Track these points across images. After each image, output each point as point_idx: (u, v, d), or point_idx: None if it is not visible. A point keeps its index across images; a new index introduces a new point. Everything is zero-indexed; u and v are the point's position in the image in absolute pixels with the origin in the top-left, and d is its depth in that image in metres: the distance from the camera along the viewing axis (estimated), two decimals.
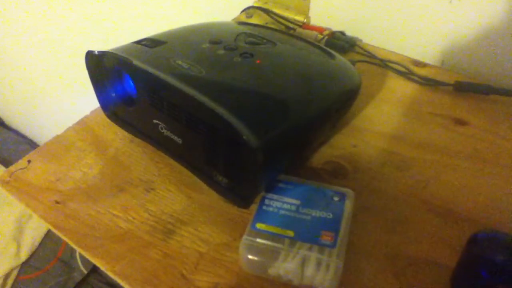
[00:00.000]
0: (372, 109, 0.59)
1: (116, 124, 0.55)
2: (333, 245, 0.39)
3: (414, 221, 0.45)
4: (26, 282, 1.53)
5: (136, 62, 0.44)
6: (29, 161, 0.53)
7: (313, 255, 0.39)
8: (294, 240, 0.40)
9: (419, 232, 0.44)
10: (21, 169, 0.53)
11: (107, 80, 0.51)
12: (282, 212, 0.43)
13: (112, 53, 0.46)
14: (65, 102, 1.67)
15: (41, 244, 1.60)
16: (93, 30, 1.24)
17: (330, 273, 0.38)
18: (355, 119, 0.57)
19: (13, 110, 2.07)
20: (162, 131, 0.47)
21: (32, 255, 1.57)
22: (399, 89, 0.63)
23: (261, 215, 0.43)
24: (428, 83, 0.63)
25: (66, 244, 1.59)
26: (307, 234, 0.41)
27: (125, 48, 0.48)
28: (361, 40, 0.73)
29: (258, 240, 0.40)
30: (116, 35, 1.18)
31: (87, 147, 0.55)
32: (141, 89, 0.47)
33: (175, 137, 0.47)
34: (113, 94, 0.52)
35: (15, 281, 1.52)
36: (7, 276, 1.50)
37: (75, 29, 1.30)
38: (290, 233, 0.41)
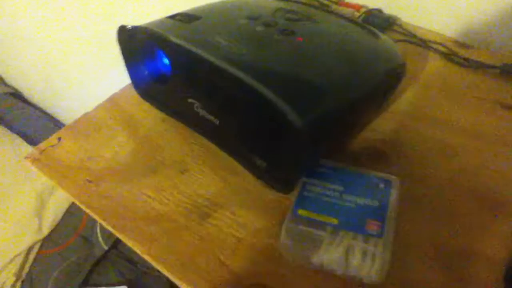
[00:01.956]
0: (413, 92, 0.56)
1: (149, 102, 0.53)
2: (379, 235, 0.37)
3: (461, 212, 0.43)
4: (47, 256, 1.55)
5: (173, 38, 0.42)
6: (59, 139, 0.52)
7: (359, 244, 0.37)
8: (338, 228, 0.38)
9: (467, 223, 0.42)
10: (51, 146, 0.51)
11: (140, 57, 0.49)
12: (324, 198, 0.41)
13: (147, 28, 0.44)
14: (86, 78, 1.66)
15: (62, 219, 1.62)
16: (116, 5, 1.21)
17: (377, 264, 0.36)
18: (395, 103, 0.54)
19: (34, 85, 2.07)
20: (197, 110, 0.46)
21: (53, 230, 1.58)
22: (441, 71, 0.60)
23: (302, 201, 0.41)
24: (473, 65, 0.59)
25: (87, 220, 1.60)
26: (351, 222, 0.39)
27: (160, 23, 0.46)
28: (399, 19, 0.70)
29: (300, 226, 0.39)
30: (141, 10, 1.16)
31: (118, 126, 0.53)
32: (177, 67, 0.45)
33: (211, 117, 0.45)
34: (146, 72, 0.50)
35: (37, 255, 1.54)
36: (29, 250, 1.52)
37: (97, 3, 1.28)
38: (334, 221, 0.39)
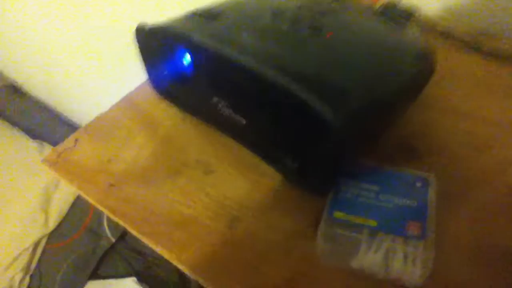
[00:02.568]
0: (442, 85, 0.54)
1: (168, 101, 0.51)
2: (421, 237, 0.36)
3: (499, 208, 0.42)
4: (55, 250, 1.55)
5: (195, 37, 0.40)
6: (76, 140, 0.51)
7: (399, 247, 0.36)
8: (376, 230, 0.37)
9: (506, 219, 0.41)
10: (68, 148, 0.50)
11: (158, 56, 0.47)
12: (360, 199, 0.40)
13: (167, 27, 0.42)
14: (86, 71, 1.64)
15: (69, 213, 1.61)
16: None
17: (419, 267, 0.35)
18: (425, 97, 0.53)
19: (33, 78, 2.04)
20: (222, 110, 0.44)
21: (60, 224, 1.58)
22: (466, 63, 0.58)
23: (337, 202, 0.39)
24: (498, 54, 0.57)
25: (93, 212, 1.59)
26: (391, 223, 0.38)
27: (178, 21, 0.44)
28: (419, 9, 0.68)
29: (337, 230, 0.38)
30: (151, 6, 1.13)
31: (136, 126, 0.52)
32: (201, 67, 0.43)
33: (237, 117, 0.43)
34: (165, 71, 0.48)
35: (44, 249, 1.53)
36: (36, 244, 1.51)
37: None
38: (372, 223, 0.38)
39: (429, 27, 0.63)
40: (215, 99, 0.44)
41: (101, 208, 0.45)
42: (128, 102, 0.55)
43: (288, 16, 0.44)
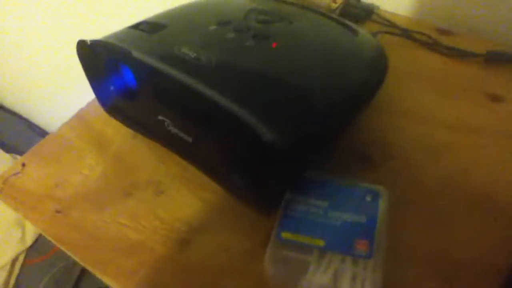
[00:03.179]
0: (396, 86, 0.53)
1: (117, 120, 0.49)
2: (368, 256, 0.35)
3: (455, 217, 0.41)
4: (34, 266, 1.52)
5: (135, 53, 0.38)
6: (23, 165, 0.49)
7: (347, 268, 0.35)
8: (324, 250, 0.36)
9: (462, 229, 0.40)
10: (15, 174, 0.48)
11: (104, 72, 0.45)
12: (309, 217, 0.38)
13: (107, 42, 0.41)
14: (60, 82, 1.61)
15: None
16: (90, 11, 1.16)
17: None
18: (377, 99, 0.51)
19: (6, 89, 2.00)
20: (169, 128, 0.42)
21: (37, 240, 1.55)
22: (424, 62, 0.57)
23: (285, 222, 0.38)
24: (456, 53, 0.57)
25: None
26: (338, 242, 0.36)
27: (121, 35, 0.42)
28: (378, 7, 0.67)
29: (284, 252, 0.36)
30: (112, 16, 1.11)
31: (86, 146, 0.50)
32: (143, 83, 0.41)
33: (184, 135, 0.41)
34: (111, 87, 0.46)
35: (23, 265, 1.50)
36: (14, 261, 1.48)
37: (75, 10, 1.23)
38: (320, 242, 0.36)
39: (389, 25, 0.62)
40: (161, 117, 0.42)
41: (47, 236, 0.43)
42: (79, 120, 0.53)
43: (233, 25, 0.43)
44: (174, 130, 0.42)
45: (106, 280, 0.39)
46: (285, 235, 0.37)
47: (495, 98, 0.51)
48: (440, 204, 0.42)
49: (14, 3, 1.40)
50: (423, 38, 0.59)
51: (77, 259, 0.41)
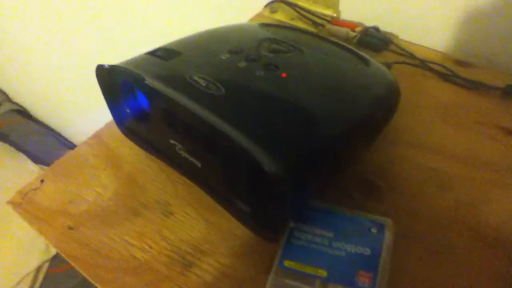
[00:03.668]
0: (409, 117, 0.53)
1: (132, 140, 0.51)
2: None
3: (459, 252, 0.40)
4: (56, 275, 1.55)
5: (148, 79, 0.40)
6: (42, 181, 0.50)
7: None
8: (327, 282, 0.36)
9: (466, 265, 0.39)
10: (34, 189, 0.50)
11: (121, 95, 0.47)
12: (313, 246, 0.38)
13: (123, 68, 0.42)
14: (91, 98, 1.66)
15: None
16: (125, 29, 1.20)
17: None
18: (389, 130, 0.51)
19: (39, 102, 2.08)
20: (179, 152, 0.43)
21: None
22: (440, 93, 0.57)
23: (289, 250, 0.38)
24: (474, 86, 0.56)
25: None
26: (341, 274, 0.36)
27: (137, 61, 0.44)
28: (397, 37, 0.67)
29: (286, 281, 0.36)
30: (123, 39, 1.15)
31: (101, 164, 0.51)
32: (155, 108, 0.43)
33: (193, 160, 0.42)
34: (128, 110, 0.48)
35: (46, 274, 1.53)
36: (38, 270, 1.52)
37: (101, 30, 1.28)
38: (323, 273, 0.36)
39: (406, 55, 0.62)
40: (172, 141, 0.43)
41: (58, 251, 0.44)
42: (96, 139, 0.55)
43: (245, 54, 0.44)
44: (184, 154, 0.43)
45: None
46: (288, 263, 0.37)
47: (510, 132, 0.50)
48: (443, 238, 0.41)
49: (51, 21, 1.46)
50: (441, 69, 0.59)
51: (84, 275, 0.42)
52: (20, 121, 2.03)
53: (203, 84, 0.39)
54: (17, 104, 2.20)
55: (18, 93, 2.19)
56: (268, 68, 0.42)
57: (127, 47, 1.20)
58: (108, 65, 0.44)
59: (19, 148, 1.85)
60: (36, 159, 1.79)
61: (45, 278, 1.54)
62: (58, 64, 1.67)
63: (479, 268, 0.39)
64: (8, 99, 2.22)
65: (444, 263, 0.39)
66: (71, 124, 1.98)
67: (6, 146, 1.85)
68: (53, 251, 1.56)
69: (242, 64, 0.42)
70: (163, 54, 0.45)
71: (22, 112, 2.14)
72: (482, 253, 0.40)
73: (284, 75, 0.41)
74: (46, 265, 1.55)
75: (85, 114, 1.77)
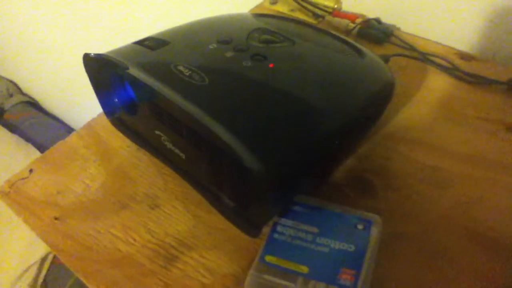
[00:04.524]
0: (409, 112, 0.52)
1: (120, 131, 0.50)
2: (353, 287, 0.34)
3: (454, 253, 0.38)
4: (62, 265, 1.56)
5: (132, 69, 0.39)
6: (31, 170, 0.50)
7: None
8: (308, 278, 0.35)
9: (460, 266, 0.37)
10: (22, 179, 0.49)
11: (109, 84, 0.46)
12: (296, 241, 0.37)
13: (108, 57, 0.42)
14: None
15: None
16: (133, 21, 1.20)
17: None
18: (388, 125, 0.50)
19: (50, 94, 2.09)
20: (165, 143, 0.42)
21: None
22: (441, 88, 0.55)
23: (271, 245, 0.37)
24: (476, 80, 0.54)
25: None
26: (323, 270, 0.35)
27: (124, 50, 0.43)
28: (399, 29, 0.65)
29: (266, 276, 0.35)
30: (133, 29, 1.14)
31: (92, 156, 0.51)
32: (140, 98, 0.42)
33: (178, 151, 0.41)
34: (116, 100, 0.47)
35: (51, 264, 1.55)
36: (43, 260, 1.53)
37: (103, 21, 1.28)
38: (304, 269, 0.35)
39: (408, 48, 0.60)
40: (157, 132, 0.43)
41: (43, 241, 0.44)
42: (88, 130, 0.54)
43: (234, 44, 0.43)
44: (169, 145, 0.42)
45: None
46: (269, 258, 0.36)
47: None
48: (437, 239, 0.39)
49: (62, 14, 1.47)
50: (442, 62, 0.57)
51: (68, 266, 0.41)
52: (31, 113, 2.04)
53: (187, 74, 0.38)
54: (28, 96, 2.21)
55: (29, 85, 2.21)
56: (256, 58, 0.41)
57: (136, 37, 1.20)
58: (94, 54, 0.43)
59: (29, 140, 1.87)
60: (44, 151, 1.80)
61: (50, 268, 1.55)
62: (69, 56, 1.67)
63: (475, 270, 0.37)
64: (19, 91, 2.24)
65: (438, 265, 0.38)
66: (82, 116, 1.99)
67: (17, 137, 1.87)
68: None
69: (229, 54, 0.41)
70: (151, 43, 0.44)
71: (33, 104, 2.16)
72: (478, 255, 0.38)
73: (271, 65, 0.40)
74: (51, 255, 1.56)
75: (96, 107, 1.78)
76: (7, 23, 1.84)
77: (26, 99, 2.14)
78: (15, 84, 2.24)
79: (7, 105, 2.08)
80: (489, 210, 0.41)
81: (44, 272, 1.52)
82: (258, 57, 0.41)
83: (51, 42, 1.70)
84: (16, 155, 1.75)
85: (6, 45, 2.02)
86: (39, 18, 1.61)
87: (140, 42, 0.44)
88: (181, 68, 0.39)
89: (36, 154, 1.79)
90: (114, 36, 1.34)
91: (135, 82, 0.39)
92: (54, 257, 1.56)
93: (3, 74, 2.27)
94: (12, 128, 1.94)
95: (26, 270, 1.49)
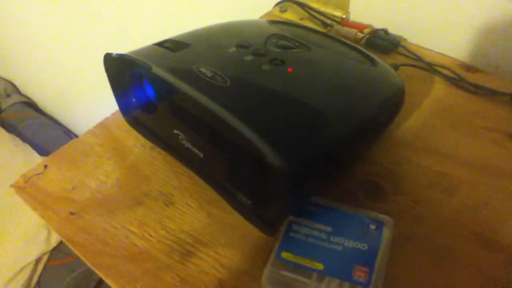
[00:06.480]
0: (416, 121, 0.53)
1: (136, 130, 0.51)
2: (367, 283, 0.35)
3: (461, 255, 0.40)
4: (56, 267, 1.55)
5: (155, 68, 0.40)
6: (46, 166, 0.51)
7: None
8: (323, 275, 0.36)
9: (466, 268, 0.39)
10: (37, 174, 0.50)
11: (127, 84, 0.47)
12: (310, 240, 0.38)
13: (130, 56, 0.43)
14: (99, 89, 1.67)
15: None
16: (132, 22, 1.21)
17: None
18: (396, 132, 0.51)
19: (48, 95, 2.09)
20: (182, 142, 0.44)
21: (61, 242, 1.58)
22: (447, 98, 0.57)
23: (287, 243, 0.38)
24: (481, 91, 0.56)
25: None
26: (338, 267, 0.36)
27: (145, 51, 0.45)
28: (405, 40, 0.67)
29: (283, 272, 0.36)
30: (132, 32, 1.16)
31: (106, 153, 0.52)
32: (161, 97, 0.43)
33: (196, 150, 0.43)
34: (134, 99, 0.48)
35: (45, 266, 1.54)
36: (38, 261, 1.52)
37: (107, 22, 1.29)
38: (319, 266, 0.36)
39: (414, 58, 0.62)
40: (176, 131, 0.44)
41: (59, 236, 0.45)
42: (102, 128, 0.55)
43: (253, 49, 0.44)
44: (187, 144, 0.43)
45: (108, 282, 0.40)
46: (285, 255, 0.37)
47: None
48: (445, 242, 0.41)
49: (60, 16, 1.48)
50: (448, 73, 0.59)
51: (84, 260, 0.42)
52: (28, 114, 2.04)
53: (209, 75, 0.39)
54: (25, 96, 2.21)
55: (26, 85, 2.21)
56: (274, 62, 0.42)
57: (135, 40, 1.21)
58: (116, 54, 0.44)
59: (26, 140, 1.87)
60: (42, 152, 1.80)
61: (44, 269, 1.54)
62: (67, 57, 1.68)
63: (481, 273, 0.39)
64: (17, 91, 2.24)
65: (446, 267, 0.39)
66: (78, 118, 1.99)
67: (14, 137, 1.86)
68: (53, 243, 1.57)
69: (249, 57, 0.43)
70: (171, 45, 0.45)
71: (31, 105, 2.16)
72: (485, 258, 0.40)
73: (290, 70, 0.42)
74: (46, 257, 1.55)
75: (93, 108, 1.78)
76: (5, 24, 1.84)
77: (24, 99, 2.14)
78: (13, 84, 2.24)
79: (5, 105, 2.08)
80: (495, 215, 0.43)
81: (38, 273, 1.52)
82: (277, 62, 0.42)
83: (49, 43, 1.70)
84: (13, 155, 1.75)
85: (4, 45, 2.02)
86: (37, 18, 1.62)
87: (160, 44, 0.46)
88: (203, 69, 0.40)
89: (33, 154, 1.79)
90: (114, 37, 1.35)
91: (158, 82, 0.41)
92: (49, 258, 1.56)
93: (1, 74, 2.27)
94: (9, 128, 1.94)
95: (20, 271, 1.48)
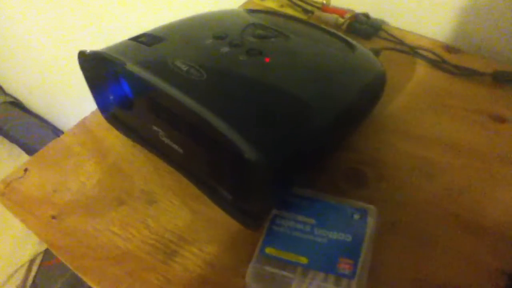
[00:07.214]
0: (398, 105, 0.53)
1: (116, 128, 0.50)
2: (351, 276, 0.35)
3: (444, 240, 0.40)
4: (51, 267, 1.55)
5: (129, 64, 0.39)
6: (26, 170, 0.50)
7: (329, 287, 0.34)
8: (307, 269, 0.35)
9: (450, 252, 0.39)
10: (18, 178, 0.49)
11: (104, 81, 0.46)
12: (294, 233, 0.38)
13: (104, 53, 0.42)
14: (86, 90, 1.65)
15: None
16: (118, 18, 1.19)
17: None
18: (378, 117, 0.51)
19: (33, 94, 2.07)
20: (162, 139, 0.43)
21: None
22: (429, 80, 0.56)
23: (271, 237, 0.38)
24: (462, 72, 0.56)
25: None
26: (322, 261, 0.36)
27: (120, 47, 0.43)
28: (387, 23, 0.66)
29: (267, 268, 0.36)
30: (117, 28, 1.14)
31: (87, 153, 0.51)
32: (137, 94, 0.42)
33: (175, 146, 0.42)
34: (111, 96, 0.47)
35: (40, 266, 1.53)
36: (32, 262, 1.52)
37: (89, 19, 1.27)
38: (303, 260, 0.36)
39: (396, 42, 0.62)
40: (154, 128, 0.43)
41: (41, 240, 0.44)
42: (82, 128, 0.54)
43: (229, 40, 0.43)
44: (166, 141, 0.42)
45: (92, 286, 0.40)
46: (269, 250, 0.37)
47: (499, 119, 0.50)
48: (429, 227, 0.41)
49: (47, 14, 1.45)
50: (430, 55, 0.58)
51: (67, 264, 0.42)
52: (14, 113, 2.01)
53: (185, 69, 0.38)
54: (11, 96, 2.18)
55: (12, 85, 2.17)
56: (251, 53, 0.41)
57: (120, 36, 1.19)
58: (90, 51, 0.43)
59: (13, 140, 1.84)
60: (30, 151, 1.78)
61: (38, 270, 1.54)
62: (52, 55, 1.66)
63: (464, 255, 0.39)
64: (2, 91, 2.21)
65: (430, 252, 0.39)
66: (66, 116, 1.97)
67: (1, 138, 1.84)
68: None
69: (225, 49, 0.42)
70: (146, 39, 0.44)
71: (16, 104, 2.13)
72: (468, 242, 0.40)
73: (267, 60, 0.41)
74: (40, 257, 1.55)
75: (80, 106, 1.76)
76: None
77: (9, 99, 2.11)
78: None
79: None
80: (477, 198, 0.43)
81: (33, 274, 1.51)
82: (254, 52, 0.41)
83: (34, 42, 1.67)
84: (0, 155, 1.73)
85: None
86: (22, 17, 1.59)
87: (135, 39, 0.45)
88: (178, 63, 0.39)
89: (21, 154, 1.77)
90: (98, 35, 1.33)
91: (133, 78, 0.40)
92: (43, 259, 1.55)
93: None
94: None
95: (15, 272, 1.47)
